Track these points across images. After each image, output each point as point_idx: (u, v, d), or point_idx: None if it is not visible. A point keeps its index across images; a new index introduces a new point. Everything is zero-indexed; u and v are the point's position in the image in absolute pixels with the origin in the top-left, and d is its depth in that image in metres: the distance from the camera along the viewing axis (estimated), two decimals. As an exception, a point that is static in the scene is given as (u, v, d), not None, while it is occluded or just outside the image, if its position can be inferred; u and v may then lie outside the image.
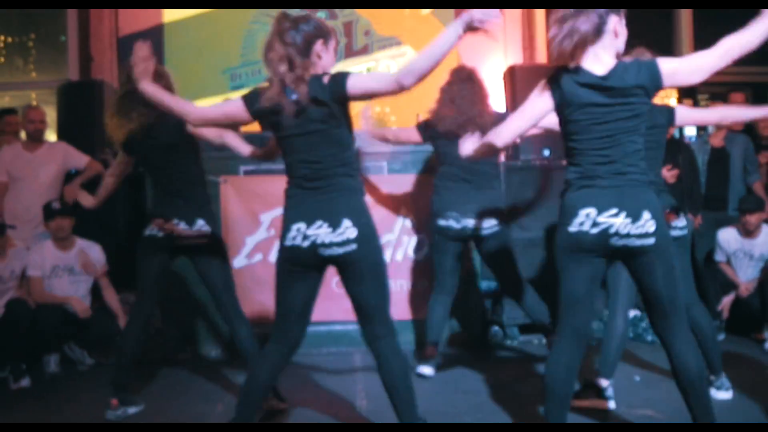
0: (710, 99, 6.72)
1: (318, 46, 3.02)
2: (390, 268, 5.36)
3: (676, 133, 6.67)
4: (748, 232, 5.38)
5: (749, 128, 6.28)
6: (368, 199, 5.34)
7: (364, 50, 8.52)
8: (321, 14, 8.47)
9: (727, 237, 5.50)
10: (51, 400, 4.35)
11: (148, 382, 4.62)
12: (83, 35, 8.32)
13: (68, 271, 5.08)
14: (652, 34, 8.84)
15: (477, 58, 8.31)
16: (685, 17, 8.83)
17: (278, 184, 5.27)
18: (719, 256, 5.54)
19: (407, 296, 5.41)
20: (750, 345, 5.29)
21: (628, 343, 5.21)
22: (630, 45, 8.11)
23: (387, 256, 5.34)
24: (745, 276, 5.43)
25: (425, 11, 8.52)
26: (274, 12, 8.77)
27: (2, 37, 8.86)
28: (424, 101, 6.74)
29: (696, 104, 7.25)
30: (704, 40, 9.04)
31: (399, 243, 5.40)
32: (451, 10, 8.45)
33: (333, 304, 5.34)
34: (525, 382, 4.47)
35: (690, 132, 7.05)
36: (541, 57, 8.36)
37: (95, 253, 5.19)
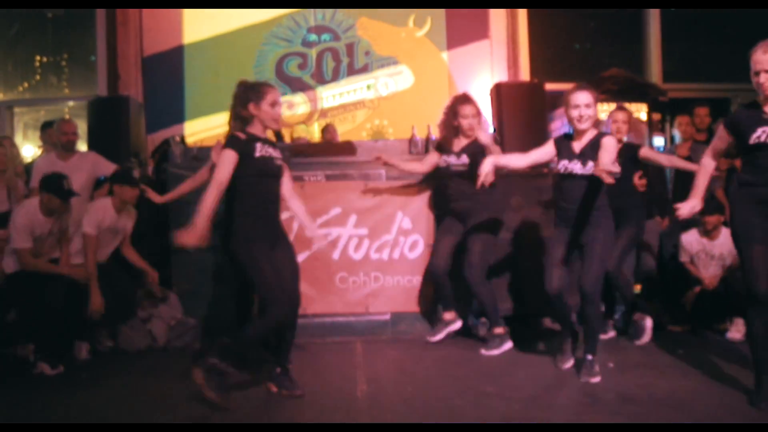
0: (677, 113, 6.73)
1: None
2: (388, 265, 5.42)
3: (650, 142, 6.70)
4: (707, 233, 5.40)
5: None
6: (369, 202, 5.40)
7: (365, 69, 8.54)
8: (326, 36, 8.50)
9: (690, 239, 5.52)
10: (80, 385, 4.34)
11: (170, 368, 4.62)
12: (111, 55, 8.34)
13: (113, 232, 5.15)
14: (624, 54, 8.89)
15: (466, 77, 8.37)
16: (654, 38, 8.85)
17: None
18: (683, 257, 5.55)
19: (403, 291, 5.42)
20: (713, 335, 5.31)
21: (602, 336, 5.25)
22: (604, 65, 8.18)
23: (385, 254, 5.39)
24: (708, 274, 5.43)
25: (420, 33, 8.54)
26: (283, 34, 8.85)
27: (38, 58, 8.88)
28: (418, 115, 6.79)
29: (663, 118, 7.27)
30: (672, 59, 9.06)
31: (396, 243, 5.41)
32: (444, 35, 8.49)
33: (336, 298, 5.38)
34: (509, 367, 4.48)
35: (658, 143, 7.08)
36: (525, 75, 8.39)
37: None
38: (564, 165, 4.16)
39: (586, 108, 4.09)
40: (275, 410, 3.73)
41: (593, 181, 4.01)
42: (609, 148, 3.97)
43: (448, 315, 5.11)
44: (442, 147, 5.07)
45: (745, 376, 4.15)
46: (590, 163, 4.03)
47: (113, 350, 5.09)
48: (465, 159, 4.87)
